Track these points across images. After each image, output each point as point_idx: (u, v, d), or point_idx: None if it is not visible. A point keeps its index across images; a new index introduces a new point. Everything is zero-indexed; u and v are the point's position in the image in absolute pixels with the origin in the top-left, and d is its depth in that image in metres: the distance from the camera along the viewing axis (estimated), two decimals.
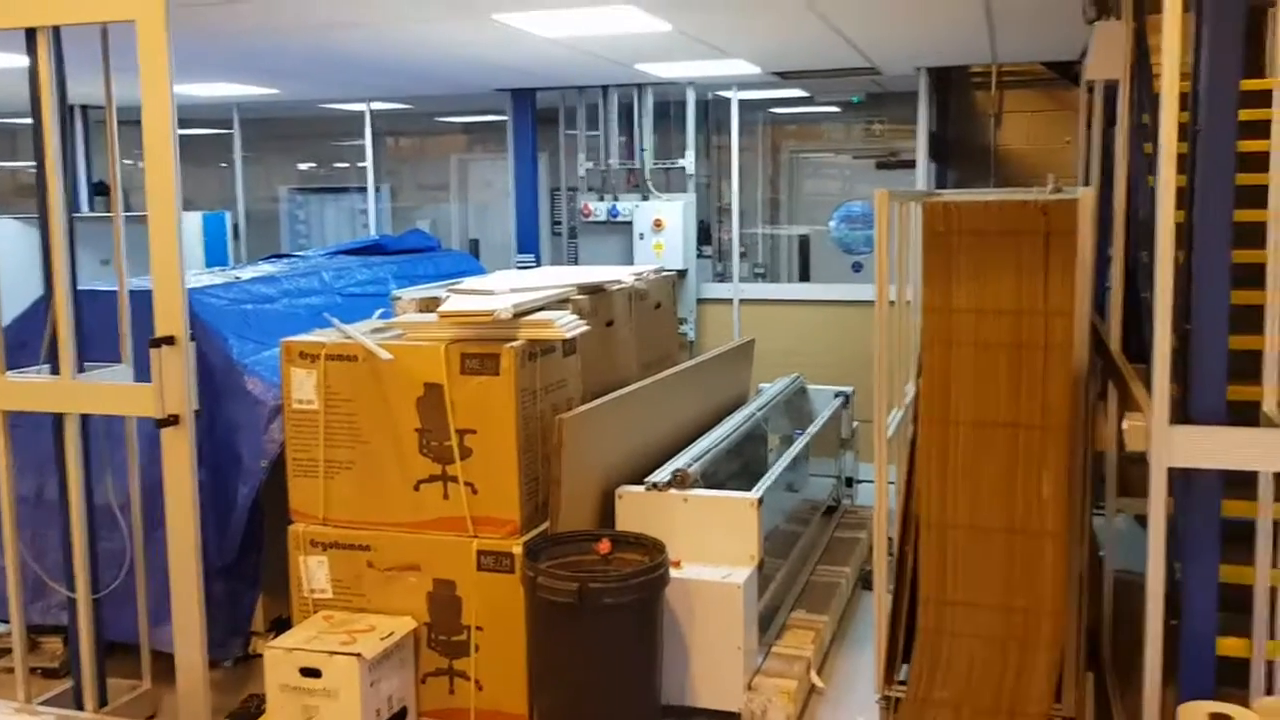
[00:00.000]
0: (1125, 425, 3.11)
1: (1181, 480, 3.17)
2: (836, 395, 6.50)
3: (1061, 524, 3.61)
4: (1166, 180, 2.94)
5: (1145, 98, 4.20)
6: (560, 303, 4.43)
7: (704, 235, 8.87)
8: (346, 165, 11.30)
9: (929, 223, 3.68)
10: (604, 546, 3.97)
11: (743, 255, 8.77)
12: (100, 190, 9.87)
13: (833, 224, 9.40)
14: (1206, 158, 3.10)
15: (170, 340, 3.59)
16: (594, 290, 4.78)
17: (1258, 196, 3.45)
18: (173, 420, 3.62)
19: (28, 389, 3.91)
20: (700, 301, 8.11)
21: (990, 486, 3.68)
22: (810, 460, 5.94)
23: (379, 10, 4.71)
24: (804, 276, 9.33)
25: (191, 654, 3.74)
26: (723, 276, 8.67)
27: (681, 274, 7.78)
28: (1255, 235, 3.41)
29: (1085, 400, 3.86)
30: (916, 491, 3.81)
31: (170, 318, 3.60)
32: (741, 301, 8.07)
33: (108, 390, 3.88)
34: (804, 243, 9.47)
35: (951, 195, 4.47)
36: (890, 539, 4.01)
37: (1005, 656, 3.69)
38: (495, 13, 4.68)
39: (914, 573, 3.83)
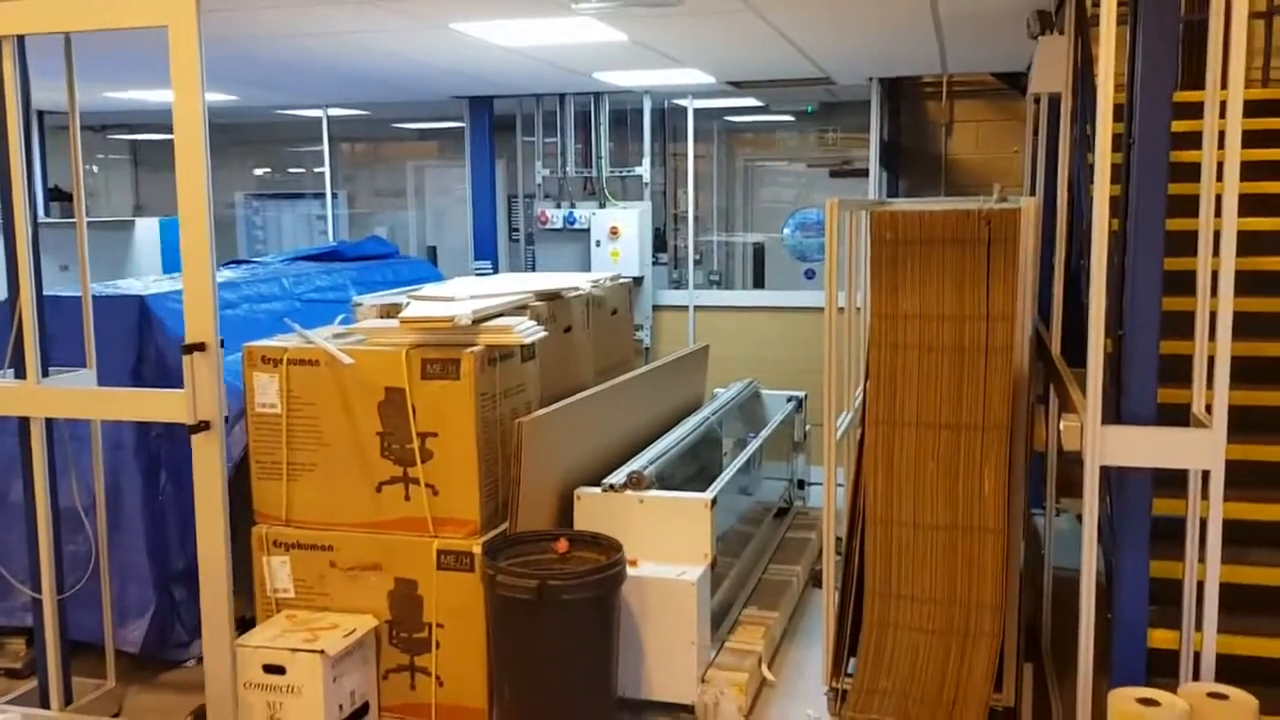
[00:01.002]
0: (1061, 425, 3.26)
1: (1115, 478, 3.34)
2: (789, 400, 6.64)
3: (1002, 521, 3.77)
4: (1101, 189, 3.09)
5: (1087, 110, 4.37)
6: (519, 309, 4.53)
7: (660, 243, 8.99)
8: (303, 171, 11.31)
9: (877, 231, 3.82)
10: (562, 546, 4.07)
11: (698, 262, 8.90)
12: (56, 195, 9.83)
13: (787, 231, 9.56)
14: (1140, 168, 3.26)
15: (201, 347, 3.63)
16: (552, 297, 4.89)
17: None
18: (204, 426, 3.66)
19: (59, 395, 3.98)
20: (656, 308, 8.23)
21: (934, 485, 3.83)
22: (764, 464, 6.08)
23: (335, 20, 4.78)
24: (758, 283, 9.47)
25: (220, 650, 3.77)
26: (679, 284, 8.79)
27: (638, 281, 7.90)
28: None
29: (1028, 402, 4.02)
30: (863, 490, 3.95)
31: (201, 326, 3.64)
32: (697, 308, 8.20)
33: (140, 397, 3.96)
34: (758, 250, 9.61)
35: (900, 205, 4.63)
36: (839, 538, 4.16)
37: (948, 648, 3.84)
38: (452, 22, 4.77)
39: (860, 569, 3.97)
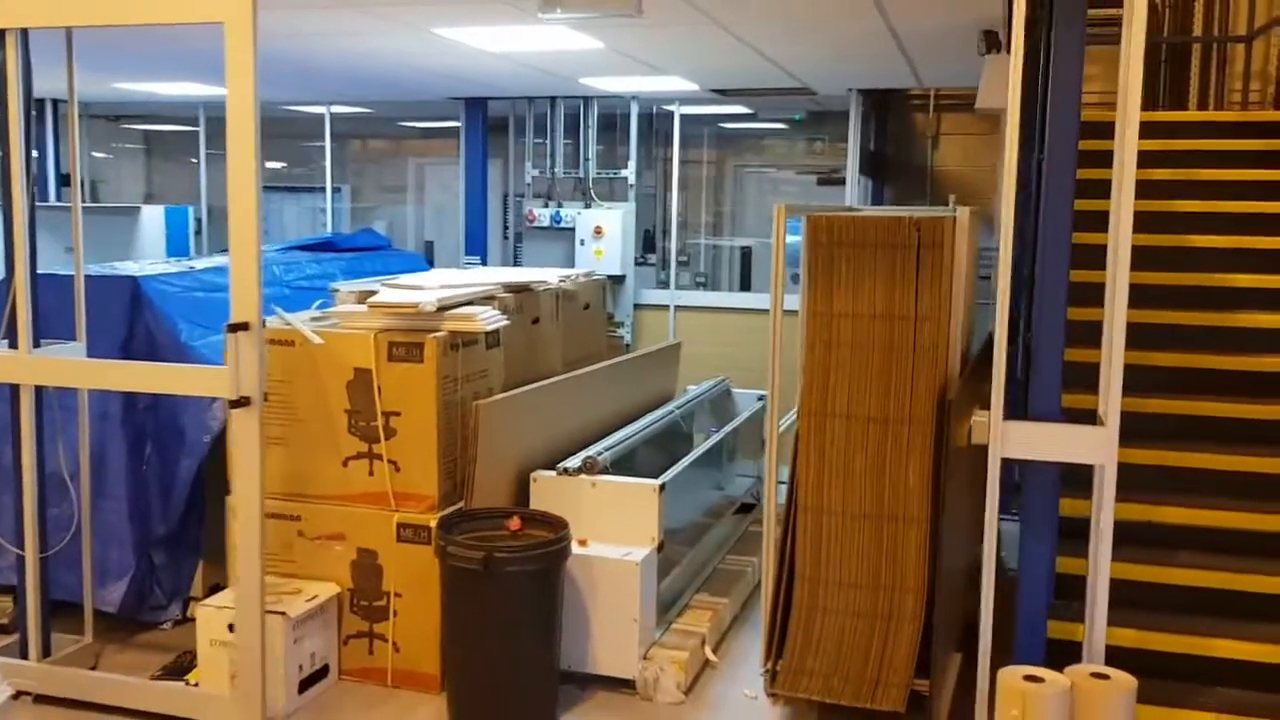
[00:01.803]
0: (973, 420, 3.50)
1: (1025, 474, 3.57)
2: (760, 398, 6.86)
3: (925, 511, 4.00)
4: (1008, 203, 3.31)
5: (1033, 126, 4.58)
6: (486, 299, 4.78)
7: (649, 244, 9.24)
8: (311, 165, 11.61)
9: (812, 234, 4.07)
10: (514, 523, 4.30)
11: (685, 264, 9.15)
12: (67, 181, 10.15)
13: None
14: (1048, 186, 3.50)
15: (245, 326, 3.74)
16: (521, 289, 5.14)
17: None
18: (245, 401, 3.79)
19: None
20: (638, 306, 8.48)
21: (862, 475, 4.06)
22: (735, 461, 6.31)
23: (325, 21, 5.04)
24: (745, 286, 9.72)
25: (251, 618, 3.86)
26: (666, 283, 9.05)
27: (620, 279, 8.15)
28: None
29: (960, 399, 4.25)
30: (797, 480, 4.19)
31: (246, 305, 3.75)
32: (678, 308, 8.45)
33: (184, 372, 4.17)
34: (745, 254, 9.85)
35: (844, 211, 4.85)
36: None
37: (872, 631, 4.08)
38: (434, 27, 5.03)
39: (793, 555, 4.20)
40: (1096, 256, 3.57)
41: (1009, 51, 4.85)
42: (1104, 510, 3.30)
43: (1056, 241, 3.47)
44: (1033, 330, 3.56)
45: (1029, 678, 3.17)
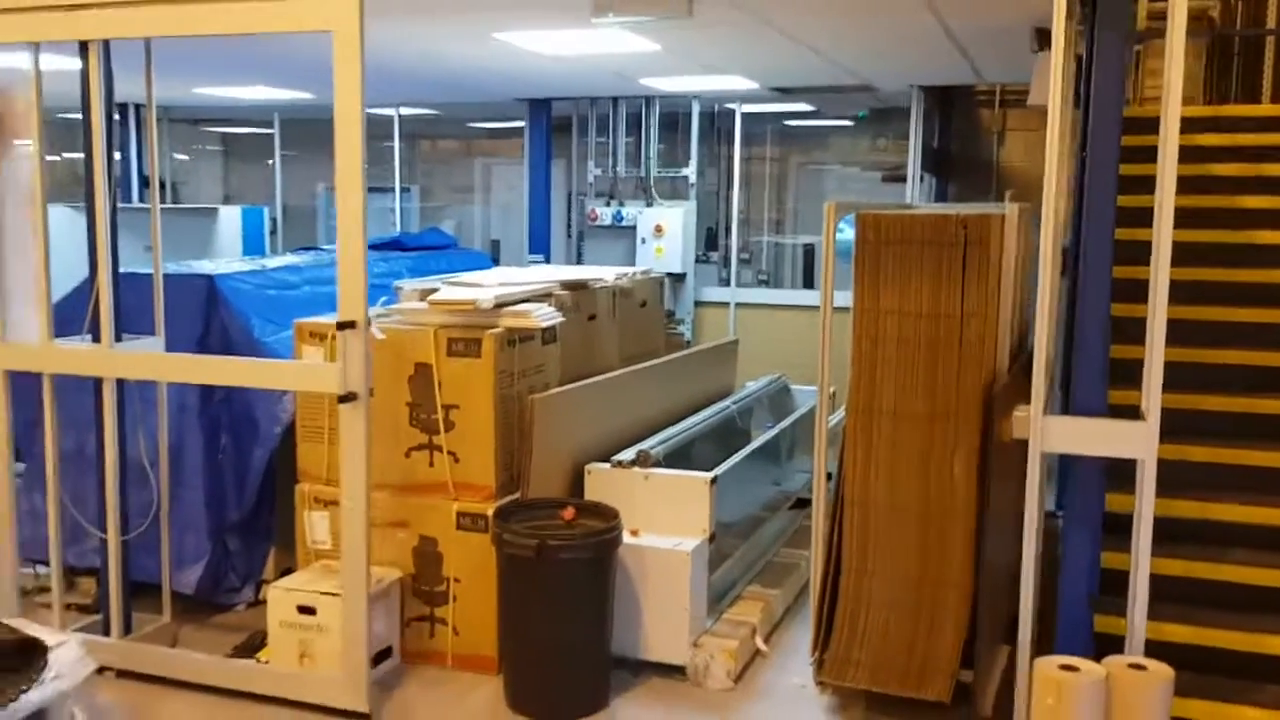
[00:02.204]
0: (1014, 415, 3.55)
1: (1069, 468, 3.62)
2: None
3: (970, 505, 4.05)
4: (1049, 200, 3.37)
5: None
6: (543, 297, 4.93)
7: (711, 242, 9.34)
8: (383, 166, 11.89)
9: (861, 232, 4.14)
10: (569, 513, 4.44)
11: (747, 262, 9.23)
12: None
13: (839, 234, 9.84)
14: (1092, 183, 3.55)
15: (352, 324, 3.88)
16: (578, 287, 5.27)
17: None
18: (351, 397, 3.92)
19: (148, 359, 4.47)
20: (699, 304, 8.59)
21: (907, 470, 4.13)
22: (793, 457, 6.39)
23: (394, 27, 5.22)
24: (808, 284, 9.77)
25: (357, 608, 4.07)
26: (728, 281, 9.14)
27: (680, 277, 8.26)
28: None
29: (1006, 395, 4.30)
30: (844, 474, 4.27)
31: (353, 305, 3.90)
32: (738, 305, 8.54)
33: (293, 369, 4.41)
34: (809, 251, 9.90)
35: (899, 209, 4.91)
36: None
37: (916, 623, 4.14)
38: (494, 32, 5.19)
39: (840, 547, 4.28)
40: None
41: None
42: (1145, 504, 3.33)
43: (1099, 237, 3.52)
44: (1075, 326, 3.60)
45: (1065, 667, 3.22)
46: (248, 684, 4.29)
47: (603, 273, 5.81)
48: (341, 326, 3.90)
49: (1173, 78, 3.24)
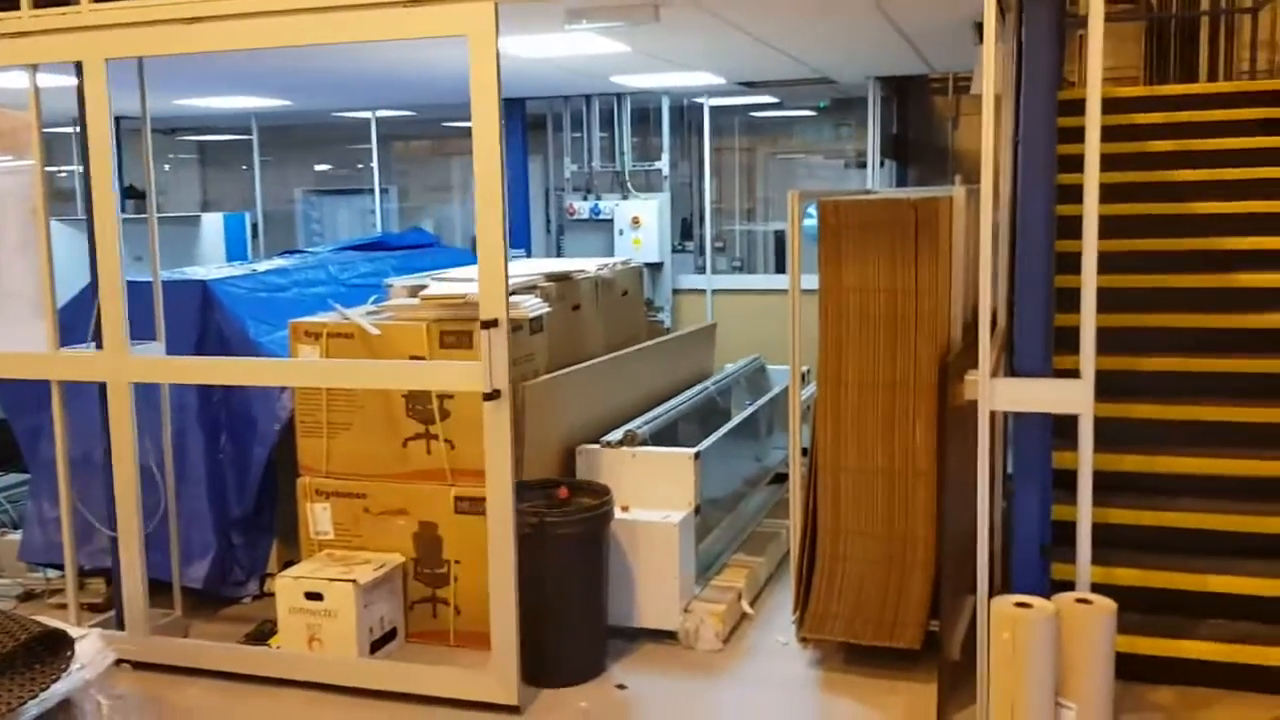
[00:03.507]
0: (965, 378, 3.84)
1: (1016, 425, 3.91)
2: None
3: (931, 465, 4.36)
4: (987, 181, 3.65)
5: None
6: (529, 289, 5.19)
7: (686, 231, 9.62)
8: (361, 168, 12.10)
9: (822, 218, 4.43)
10: (563, 492, 4.71)
11: (721, 250, 9.52)
12: (129, 194, 10.70)
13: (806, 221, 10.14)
14: (1026, 162, 3.83)
15: (494, 323, 4.00)
16: (561, 278, 5.54)
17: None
18: (496, 394, 4.04)
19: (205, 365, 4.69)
20: (676, 292, 8.87)
21: (873, 435, 4.43)
22: (772, 433, 6.68)
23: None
24: (780, 269, 10.06)
25: (508, 606, 4.19)
26: (703, 269, 9.42)
27: (657, 266, 8.54)
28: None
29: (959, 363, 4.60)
30: (816, 442, 4.56)
31: (494, 303, 4.02)
32: (714, 291, 8.82)
33: (437, 369, 4.51)
34: (779, 237, 10.20)
35: (859, 195, 5.21)
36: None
37: (888, 576, 4.44)
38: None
39: (815, 509, 4.58)
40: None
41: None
42: (1084, 453, 3.62)
43: (1034, 207, 3.78)
44: (1015, 295, 3.89)
45: (1020, 604, 3.52)
46: (264, 669, 4.53)
47: (584, 264, 6.08)
48: (485, 325, 4.00)
49: (1093, 46, 3.48)
